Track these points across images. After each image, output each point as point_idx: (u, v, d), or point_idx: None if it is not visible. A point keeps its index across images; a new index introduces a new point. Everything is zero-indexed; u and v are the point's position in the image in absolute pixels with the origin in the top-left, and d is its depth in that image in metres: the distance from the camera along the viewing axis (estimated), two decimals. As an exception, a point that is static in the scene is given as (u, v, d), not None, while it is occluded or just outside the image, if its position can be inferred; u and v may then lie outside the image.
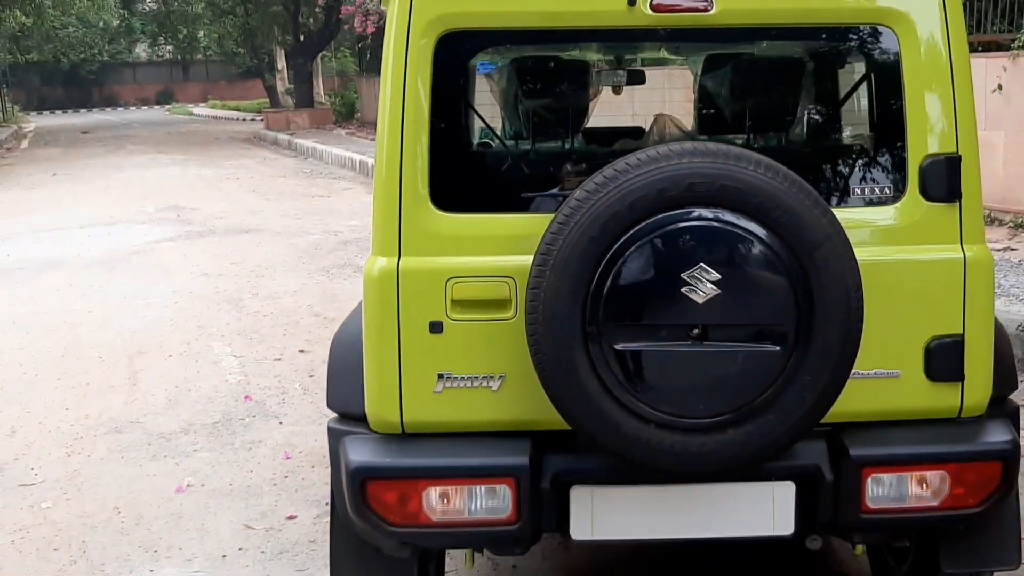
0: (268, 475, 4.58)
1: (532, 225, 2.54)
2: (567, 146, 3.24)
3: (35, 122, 40.57)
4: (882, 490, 2.62)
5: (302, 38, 30.48)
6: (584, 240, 2.35)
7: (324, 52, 33.49)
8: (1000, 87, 9.29)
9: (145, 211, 13.64)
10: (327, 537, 3.78)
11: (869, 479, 2.61)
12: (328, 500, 3.07)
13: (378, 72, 28.17)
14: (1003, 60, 9.30)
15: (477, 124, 3.45)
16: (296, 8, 29.59)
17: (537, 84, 3.19)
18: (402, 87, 2.58)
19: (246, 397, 5.67)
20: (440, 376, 2.61)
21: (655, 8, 2.58)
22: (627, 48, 3.61)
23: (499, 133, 3.32)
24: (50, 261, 10.13)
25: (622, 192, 2.34)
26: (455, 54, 2.66)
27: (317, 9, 28.78)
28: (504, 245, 2.59)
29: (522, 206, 2.68)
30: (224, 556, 3.84)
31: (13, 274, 9.51)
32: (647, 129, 3.64)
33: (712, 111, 3.22)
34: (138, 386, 5.99)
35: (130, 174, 18.75)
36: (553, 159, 3.13)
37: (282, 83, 37.00)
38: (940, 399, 2.66)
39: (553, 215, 2.44)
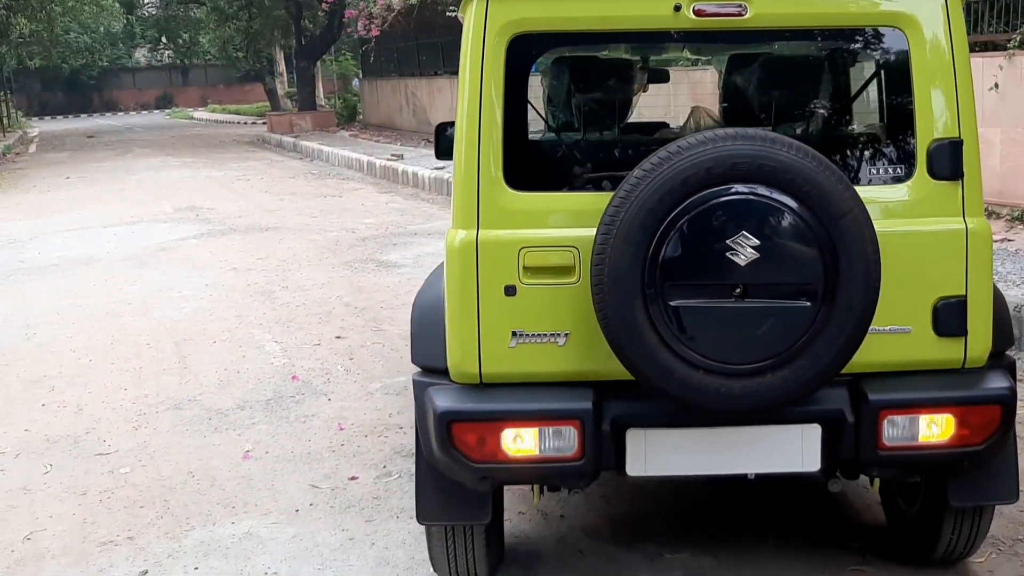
0: (326, 443, 4.98)
1: (592, 201, 2.94)
2: (618, 135, 3.64)
3: (38, 127, 40.93)
4: (897, 431, 3.02)
5: (304, 42, 30.86)
6: (643, 212, 2.75)
7: (325, 55, 33.88)
8: (996, 85, 9.69)
9: (164, 211, 14.02)
10: (389, 494, 4.21)
11: (885, 421, 3.01)
12: (409, 449, 3.45)
13: (381, 74, 28.39)
14: (999, 59, 9.70)
15: (546, 114, 3.85)
16: (299, 12, 29.98)
17: (592, 80, 3.59)
18: (479, 81, 2.98)
19: (293, 377, 6.07)
20: (514, 333, 3.00)
21: (697, 13, 2.98)
22: (672, 47, 4.02)
23: (561, 123, 3.71)
24: (82, 258, 10.51)
25: (675, 170, 2.75)
26: (524, 54, 3.05)
27: (320, 13, 29.17)
28: (568, 219, 2.98)
29: (583, 185, 3.08)
30: (297, 511, 4.24)
31: (49, 270, 9.90)
32: (685, 119, 4.04)
33: (744, 103, 3.61)
34: (189, 368, 6.38)
35: (142, 176, 19.13)
36: (606, 146, 3.53)
37: (282, 86, 37.40)
38: (946, 352, 3.06)
39: (612, 192, 2.84)
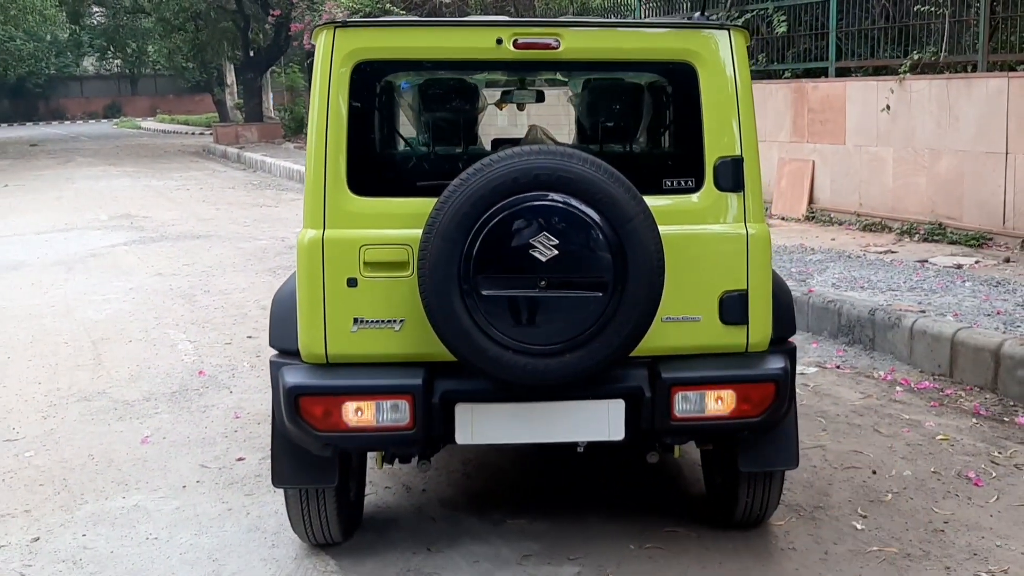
0: (220, 430, 5.39)
1: (425, 206, 3.39)
2: (457, 149, 4.12)
3: (-18, 134, 40.79)
4: (687, 404, 3.50)
5: (252, 54, 31.16)
6: (459, 214, 3.22)
7: (274, 67, 34.18)
8: (888, 107, 10.33)
9: (99, 219, 14.32)
10: (270, 473, 4.62)
11: (677, 395, 3.49)
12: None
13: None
14: (891, 83, 10.34)
15: (385, 130, 4.30)
16: (246, 24, 30.29)
17: (432, 101, 4.07)
18: (326, 101, 3.43)
19: (200, 372, 6.47)
20: (355, 320, 3.45)
21: (517, 46, 3.46)
22: (499, 75, 4.50)
23: (402, 137, 4.17)
24: (10, 263, 10.81)
25: (487, 179, 3.21)
26: (366, 77, 3.51)
27: (267, 25, 29.50)
28: (404, 221, 3.43)
29: (418, 192, 3.53)
30: (184, 487, 4.64)
31: (-22, 274, 10.19)
32: (524, 135, 4.52)
33: (574, 122, 4.11)
34: (103, 365, 6.75)
35: (81, 185, 19.37)
36: (445, 159, 4.01)
37: (231, 97, 37.60)
38: (731, 338, 3.55)
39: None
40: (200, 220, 13.95)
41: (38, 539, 4.16)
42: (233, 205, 15.70)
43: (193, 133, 37.96)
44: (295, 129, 30.11)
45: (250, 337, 7.34)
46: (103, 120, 54.79)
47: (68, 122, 54.71)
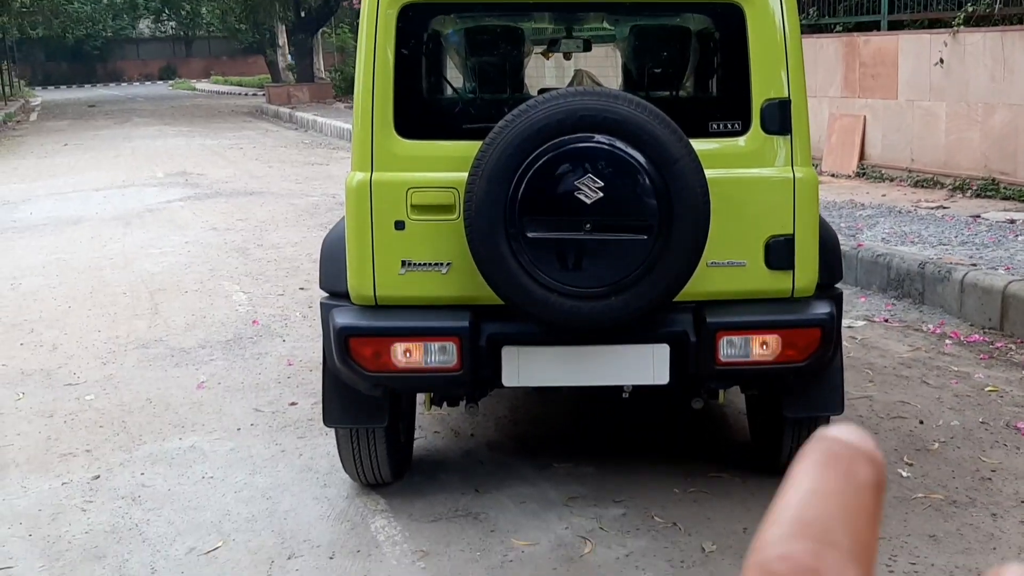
0: (274, 376, 5.50)
1: (471, 149, 3.41)
2: (503, 95, 4.14)
3: (41, 96, 41.44)
4: (732, 349, 3.53)
5: (303, 14, 31.24)
6: (504, 156, 3.25)
7: (324, 28, 34.26)
8: (942, 61, 10.13)
9: (155, 176, 14.54)
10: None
11: (722, 340, 3.51)
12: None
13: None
14: (945, 36, 10.15)
15: (431, 74, 4.34)
16: (297, -15, 30.37)
17: (477, 46, 4.09)
18: (373, 46, 3.47)
19: (254, 322, 6.59)
20: (403, 262, 3.51)
21: (565, -13, 3.48)
22: (545, 22, 4.51)
23: (448, 82, 4.20)
24: (71, 218, 11.04)
25: (531, 121, 3.24)
26: (412, 21, 3.54)
27: (318, -14, 29.55)
28: (450, 164, 3.47)
29: (464, 135, 3.57)
30: (239, 429, 4.76)
31: (40, 229, 10.43)
32: (569, 80, 4.53)
33: (622, 67, 4.11)
34: (159, 314, 6.91)
35: (138, 144, 19.64)
36: (491, 103, 4.04)
37: (283, 59, 37.76)
38: (777, 283, 3.56)
39: None
40: (253, 177, 14.11)
41: (98, 477, 4.30)
42: (285, 163, 15.85)
43: (246, 94, 38.24)
44: (346, 89, 30.14)
45: (302, 289, 7.45)
46: (159, 82, 55.35)
47: (125, 84, 55.36)
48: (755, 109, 3.52)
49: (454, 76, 4.12)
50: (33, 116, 30.21)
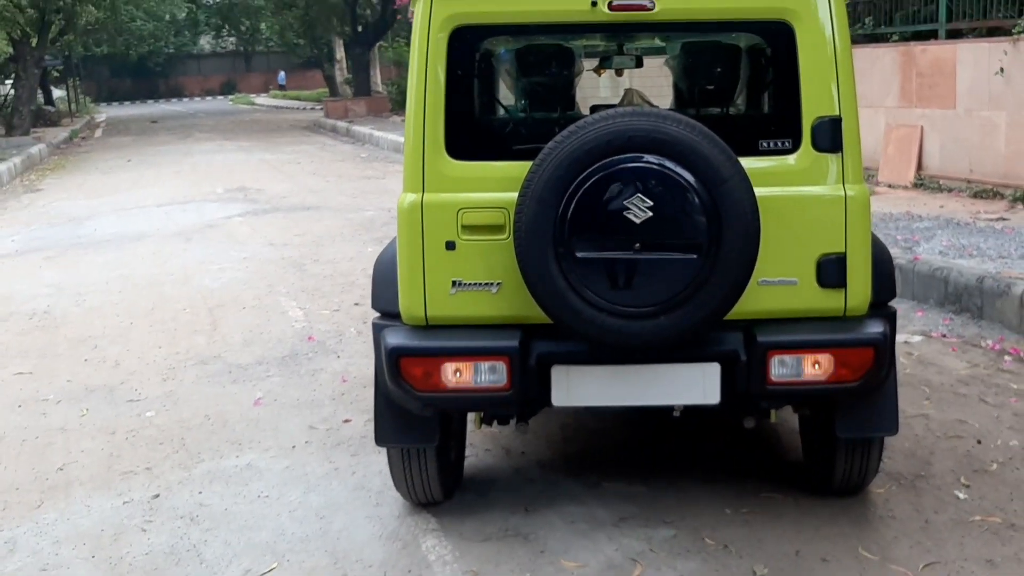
0: (328, 393, 5.57)
1: (521, 169, 3.43)
2: (553, 114, 4.16)
3: (105, 112, 42.35)
4: (783, 368, 3.50)
5: (360, 29, 31.58)
6: (554, 177, 3.26)
7: (381, 42, 34.58)
8: (1002, 70, 9.95)
9: (215, 191, 14.78)
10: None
11: (773, 359, 3.48)
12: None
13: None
14: (1005, 44, 9.97)
15: (482, 94, 4.36)
16: (354, 0, 30.71)
17: (528, 66, 4.11)
18: (424, 67, 3.51)
19: (309, 338, 6.67)
20: (454, 283, 3.53)
21: (612, 8, 3.49)
22: (596, 39, 4.52)
23: (499, 102, 4.23)
24: (134, 234, 11.26)
25: (581, 141, 3.26)
26: (464, 43, 3.57)
27: (374, 0, 29.84)
28: (501, 184, 3.49)
29: (514, 156, 3.58)
30: (293, 447, 4.83)
31: (103, 245, 10.65)
32: (620, 99, 4.53)
33: (672, 86, 4.11)
34: (218, 330, 7.02)
35: (199, 159, 19.98)
36: (542, 123, 4.05)
37: (341, 73, 38.19)
38: (829, 301, 3.53)
39: None
40: (310, 192, 14.28)
41: (158, 496, 4.38)
42: (342, 177, 16.01)
43: (304, 108, 38.73)
44: (402, 103, 30.37)
45: (357, 304, 7.53)
46: (219, 97, 56.32)
47: (186, 99, 56.41)
48: (806, 127, 3.50)
49: (505, 96, 4.15)
50: (98, 132, 30.87)
